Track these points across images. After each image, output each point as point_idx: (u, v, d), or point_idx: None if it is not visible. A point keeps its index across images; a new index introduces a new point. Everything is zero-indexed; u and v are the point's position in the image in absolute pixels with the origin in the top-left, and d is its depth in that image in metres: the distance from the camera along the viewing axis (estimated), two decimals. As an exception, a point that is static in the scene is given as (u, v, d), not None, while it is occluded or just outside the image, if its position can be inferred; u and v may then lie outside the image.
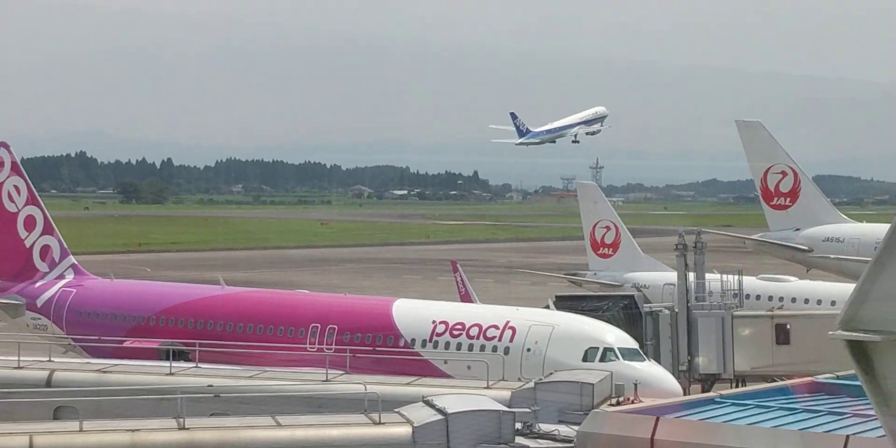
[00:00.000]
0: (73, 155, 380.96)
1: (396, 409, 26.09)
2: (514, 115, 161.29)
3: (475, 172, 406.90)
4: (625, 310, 50.38)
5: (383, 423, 25.40)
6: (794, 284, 62.29)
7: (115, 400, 28.80)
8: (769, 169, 77.86)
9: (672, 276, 54.59)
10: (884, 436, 7.64)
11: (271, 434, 25.04)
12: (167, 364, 34.76)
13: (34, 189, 58.95)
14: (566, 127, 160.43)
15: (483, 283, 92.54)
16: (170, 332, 50.34)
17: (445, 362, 43.22)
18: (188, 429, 24.73)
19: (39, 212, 58.01)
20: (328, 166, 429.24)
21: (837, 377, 24.20)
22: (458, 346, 44.53)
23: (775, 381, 37.17)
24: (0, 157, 57.48)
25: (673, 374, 43.90)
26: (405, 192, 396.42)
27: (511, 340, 43.42)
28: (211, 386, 30.27)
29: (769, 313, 50.86)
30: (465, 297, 59.22)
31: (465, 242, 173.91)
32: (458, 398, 26.95)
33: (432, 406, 26.01)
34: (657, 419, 20.35)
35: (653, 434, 20.00)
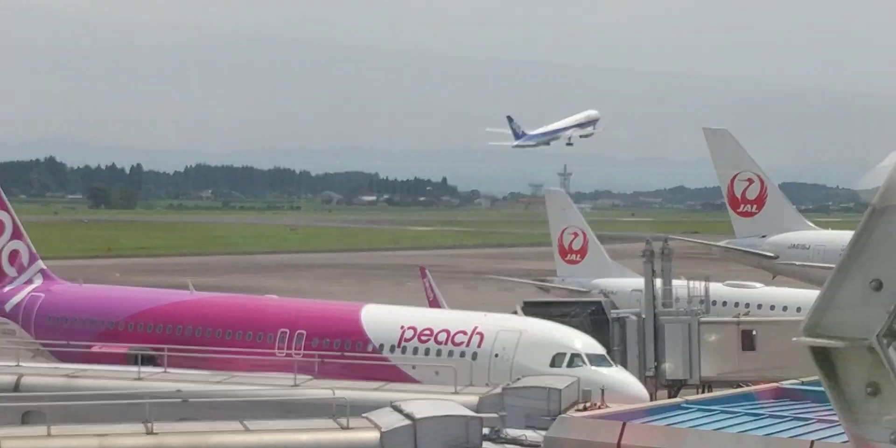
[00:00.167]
0: (42, 160, 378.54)
1: (364, 415, 26.10)
2: (510, 119, 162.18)
3: (444, 179, 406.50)
4: (592, 316, 50.55)
5: (351, 429, 25.43)
6: (760, 291, 62.66)
7: (84, 405, 28.67)
8: (736, 176, 78.30)
9: (639, 282, 54.84)
10: (847, 441, 7.76)
11: (239, 439, 25.06)
12: (136, 369, 34.78)
13: (3, 194, 58.67)
14: (560, 130, 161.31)
15: (451, 289, 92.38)
16: (139, 336, 50.23)
17: (414, 367, 43.31)
18: (156, 434, 24.72)
19: (8, 216, 57.79)
20: (297, 172, 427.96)
21: (802, 383, 24.36)
22: (427, 352, 44.64)
23: (741, 386, 37.37)
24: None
25: (640, 379, 44.11)
26: (374, 197, 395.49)
27: (479, 346, 43.54)
28: (179, 391, 30.28)
29: (735, 319, 51.17)
30: (434, 303, 59.23)
31: (433, 248, 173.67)
32: (426, 404, 27.02)
33: (400, 411, 26.06)
34: (623, 424, 20.46)
35: (619, 439, 20.11)
